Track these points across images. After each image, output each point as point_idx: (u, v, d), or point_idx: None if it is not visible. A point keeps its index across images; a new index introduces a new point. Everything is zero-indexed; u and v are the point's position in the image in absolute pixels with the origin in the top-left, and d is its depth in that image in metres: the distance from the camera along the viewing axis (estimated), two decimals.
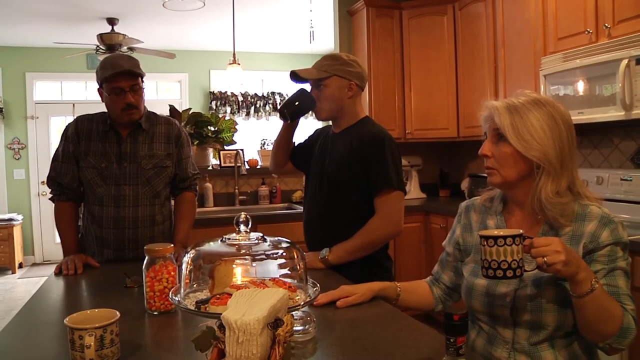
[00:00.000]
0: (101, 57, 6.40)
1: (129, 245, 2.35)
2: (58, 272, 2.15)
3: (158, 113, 2.56)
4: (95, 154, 2.33)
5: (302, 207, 2.46)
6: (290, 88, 8.89)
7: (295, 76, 2.23)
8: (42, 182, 7.81)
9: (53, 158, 2.42)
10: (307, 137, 2.51)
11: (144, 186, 2.36)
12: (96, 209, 2.34)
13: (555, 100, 1.46)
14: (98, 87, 2.34)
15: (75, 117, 2.44)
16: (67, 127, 2.42)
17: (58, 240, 6.70)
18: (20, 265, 7.55)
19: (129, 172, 2.34)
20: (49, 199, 2.47)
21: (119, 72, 2.22)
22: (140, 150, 2.37)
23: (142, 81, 2.34)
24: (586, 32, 2.98)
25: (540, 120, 1.38)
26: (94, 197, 2.34)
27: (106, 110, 2.39)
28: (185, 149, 2.52)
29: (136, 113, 2.32)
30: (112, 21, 6.46)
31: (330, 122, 2.35)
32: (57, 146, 2.44)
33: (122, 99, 2.26)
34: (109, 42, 6.32)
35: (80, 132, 2.36)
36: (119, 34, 6.34)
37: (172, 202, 2.60)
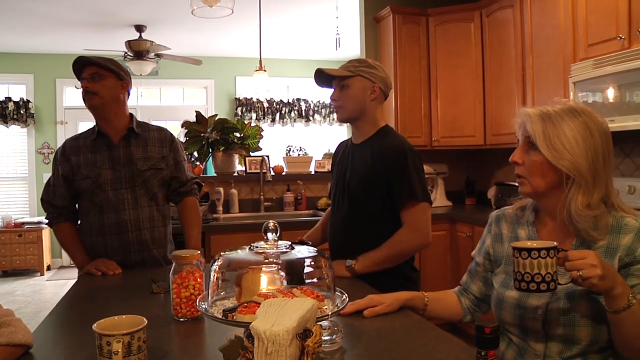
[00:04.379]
0: (129, 64, 6.51)
1: (134, 249, 2.37)
2: (102, 274, 2.21)
3: (155, 123, 2.63)
4: (87, 165, 2.36)
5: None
6: (315, 95, 8.94)
7: (320, 77, 2.23)
8: None
9: (45, 184, 2.50)
10: (332, 168, 2.50)
11: (141, 188, 2.39)
12: (97, 218, 2.35)
13: (592, 109, 1.42)
14: None
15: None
16: (56, 151, 2.49)
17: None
18: (49, 268, 7.68)
19: (125, 175, 2.37)
20: (46, 224, 2.51)
21: (75, 63, 2.38)
22: (135, 153, 2.40)
23: (120, 78, 2.40)
24: (618, 38, 2.92)
25: (573, 130, 1.34)
26: (94, 206, 2.35)
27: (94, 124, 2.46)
28: (181, 153, 2.56)
29: (94, 99, 2.34)
30: (140, 28, 6.56)
31: (350, 130, 2.34)
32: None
33: (83, 86, 2.36)
34: (137, 48, 6.41)
35: (69, 150, 2.41)
36: (147, 40, 6.43)
37: (172, 207, 2.61)
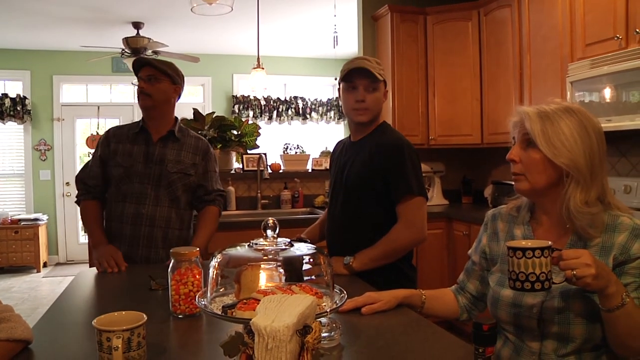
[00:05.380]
0: (126, 61, 6.50)
1: (142, 242, 2.43)
2: (102, 271, 2.24)
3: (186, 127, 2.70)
4: (123, 154, 2.47)
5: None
6: (312, 93, 8.92)
7: (352, 74, 2.14)
8: (67, 183, 7.95)
9: (84, 165, 2.61)
10: (330, 166, 2.50)
11: (165, 188, 2.46)
12: (119, 206, 2.45)
13: (586, 109, 1.43)
14: None
15: None
16: (101, 136, 2.60)
17: (82, 240, 6.83)
18: (45, 265, 7.66)
19: (154, 173, 2.45)
20: (75, 201, 2.60)
21: (136, 61, 2.49)
22: (169, 154, 2.49)
23: (174, 82, 2.51)
24: (615, 38, 2.93)
25: (571, 128, 1.36)
26: (118, 194, 2.46)
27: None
28: (212, 164, 2.63)
29: (148, 100, 2.45)
30: (137, 25, 6.55)
31: (347, 128, 2.34)
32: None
33: (139, 85, 2.48)
34: (134, 45, 6.40)
35: (111, 136, 2.54)
36: (144, 37, 6.42)
37: (195, 214, 2.65)
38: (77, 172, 2.60)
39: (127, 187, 2.44)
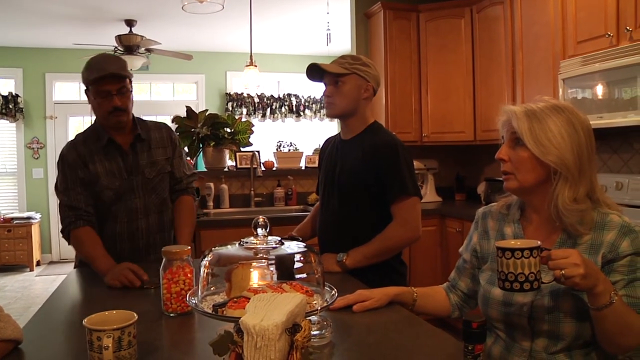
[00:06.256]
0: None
1: (143, 253, 2.34)
2: (121, 287, 1.93)
3: (145, 118, 2.47)
4: (106, 175, 2.25)
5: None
6: (305, 90, 8.89)
7: (312, 71, 2.21)
8: None
9: (58, 190, 2.27)
10: (319, 163, 2.49)
11: (151, 194, 2.34)
12: (110, 225, 2.29)
13: (574, 105, 1.44)
14: (85, 89, 2.25)
15: (68, 143, 2.32)
16: (63, 155, 2.28)
17: None
18: (38, 263, 7.63)
19: (136, 184, 2.30)
20: (63, 236, 2.26)
21: (105, 75, 2.13)
22: (141, 159, 2.32)
23: (130, 82, 2.26)
24: (607, 36, 2.94)
25: (558, 126, 1.36)
26: (109, 214, 2.29)
27: (93, 123, 2.34)
28: (178, 149, 2.47)
29: (124, 115, 2.23)
30: (130, 23, 6.52)
31: (339, 125, 2.34)
32: (56, 179, 2.30)
33: (108, 102, 2.17)
34: (127, 43, 6.37)
35: (83, 156, 2.25)
36: (137, 35, 6.39)
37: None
38: (60, 197, 2.25)
39: (117, 206, 2.27)
